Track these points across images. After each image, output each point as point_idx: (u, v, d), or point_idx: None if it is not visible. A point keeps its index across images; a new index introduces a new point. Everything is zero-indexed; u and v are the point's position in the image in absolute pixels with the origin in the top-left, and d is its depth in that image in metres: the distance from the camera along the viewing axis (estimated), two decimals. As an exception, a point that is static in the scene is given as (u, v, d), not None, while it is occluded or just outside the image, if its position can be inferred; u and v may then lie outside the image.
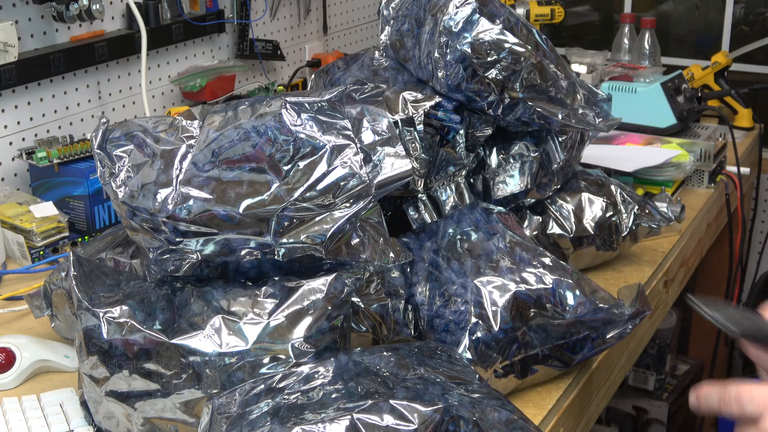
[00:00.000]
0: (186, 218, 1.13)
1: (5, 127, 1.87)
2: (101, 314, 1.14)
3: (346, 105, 1.21)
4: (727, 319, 0.99)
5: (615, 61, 2.71)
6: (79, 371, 1.19)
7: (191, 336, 1.12)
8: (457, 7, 1.38)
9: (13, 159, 1.88)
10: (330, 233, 1.14)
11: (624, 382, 2.83)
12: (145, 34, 2.05)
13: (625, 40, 2.76)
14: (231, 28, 2.43)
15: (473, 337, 1.25)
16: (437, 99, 1.39)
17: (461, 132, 1.42)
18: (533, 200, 1.57)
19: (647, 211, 1.67)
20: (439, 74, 1.39)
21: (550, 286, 1.30)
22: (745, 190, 2.28)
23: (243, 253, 1.15)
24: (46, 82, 1.94)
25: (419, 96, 1.39)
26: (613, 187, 1.66)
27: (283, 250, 1.15)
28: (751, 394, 0.92)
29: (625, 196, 1.66)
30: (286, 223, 1.13)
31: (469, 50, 1.37)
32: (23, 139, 1.91)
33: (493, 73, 1.38)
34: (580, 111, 1.47)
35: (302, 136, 1.16)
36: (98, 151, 1.21)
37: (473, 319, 1.26)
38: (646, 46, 2.67)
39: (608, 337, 1.33)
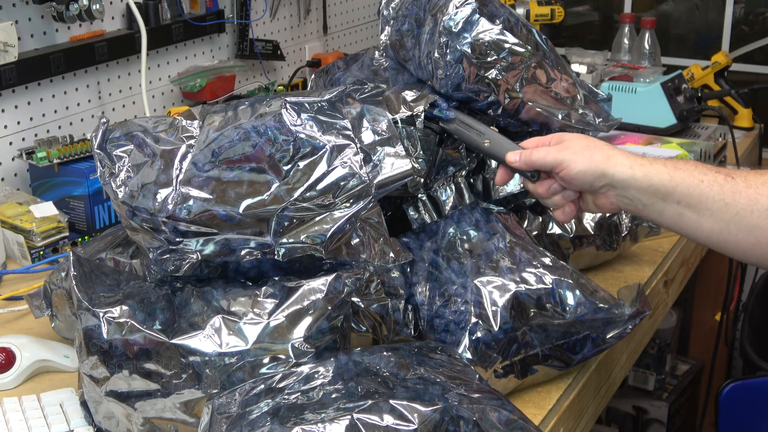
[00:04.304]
0: (186, 218, 1.13)
1: (5, 127, 1.87)
2: (101, 314, 1.14)
3: (346, 105, 1.21)
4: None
5: (615, 61, 2.71)
6: (79, 371, 1.19)
7: (191, 336, 1.12)
8: (457, 8, 1.38)
9: (13, 159, 1.88)
10: (330, 233, 1.14)
11: (624, 382, 2.83)
12: (145, 34, 2.05)
13: (625, 40, 2.76)
14: (231, 28, 2.43)
15: (473, 337, 1.25)
16: (434, 98, 1.39)
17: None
18: (533, 200, 1.57)
19: (647, 211, 1.66)
20: (439, 74, 1.39)
21: (550, 286, 1.30)
22: (745, 190, 2.27)
23: (243, 253, 1.15)
24: (46, 82, 1.94)
25: (416, 95, 1.39)
26: (613, 187, 1.65)
27: (283, 250, 1.14)
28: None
29: (625, 196, 1.65)
30: (286, 223, 1.13)
31: (469, 50, 1.37)
32: (23, 139, 1.91)
33: (493, 73, 1.38)
34: (580, 111, 1.47)
35: (302, 136, 1.16)
36: (98, 151, 1.20)
37: (473, 319, 1.26)
38: (646, 46, 2.66)
39: (608, 337, 1.33)
